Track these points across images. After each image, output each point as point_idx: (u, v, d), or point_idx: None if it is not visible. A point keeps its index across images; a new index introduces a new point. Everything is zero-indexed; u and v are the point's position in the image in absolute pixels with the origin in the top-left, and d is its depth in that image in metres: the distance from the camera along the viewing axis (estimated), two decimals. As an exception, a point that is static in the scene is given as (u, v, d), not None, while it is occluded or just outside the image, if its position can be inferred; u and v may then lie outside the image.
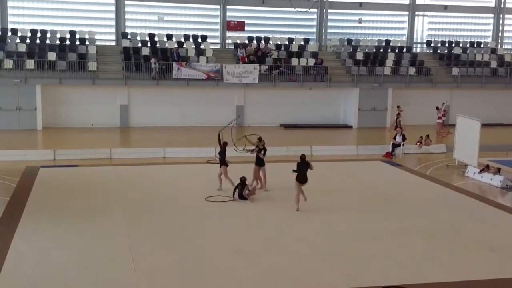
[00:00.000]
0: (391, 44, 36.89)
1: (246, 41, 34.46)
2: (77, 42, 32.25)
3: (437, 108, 30.77)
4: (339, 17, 37.43)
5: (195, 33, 34.51)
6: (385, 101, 33.26)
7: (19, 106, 29.12)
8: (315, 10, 36.75)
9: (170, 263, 11.75)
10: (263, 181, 17.83)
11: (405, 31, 38.59)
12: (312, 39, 36.74)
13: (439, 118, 30.69)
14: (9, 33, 31.82)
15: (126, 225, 14.15)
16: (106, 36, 34.21)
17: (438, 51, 37.42)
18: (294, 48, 34.98)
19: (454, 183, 19.76)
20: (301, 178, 15.57)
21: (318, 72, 32.66)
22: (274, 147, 24.03)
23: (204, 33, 34.67)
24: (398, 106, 30.60)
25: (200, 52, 32.84)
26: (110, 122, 30.66)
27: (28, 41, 31.61)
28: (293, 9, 36.27)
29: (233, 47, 34.43)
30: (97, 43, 32.72)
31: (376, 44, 36.72)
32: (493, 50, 38.15)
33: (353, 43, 36.42)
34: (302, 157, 15.94)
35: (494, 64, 36.21)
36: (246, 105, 32.50)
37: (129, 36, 33.36)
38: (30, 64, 29.49)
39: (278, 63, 32.75)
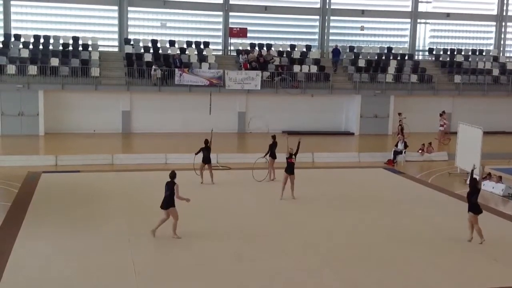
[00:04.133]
0: (393, 51, 36.94)
1: (249, 48, 34.54)
2: (80, 48, 32.37)
3: (440, 115, 30.72)
4: (341, 24, 37.50)
5: (198, 39, 34.61)
6: (387, 108, 33.29)
7: (22, 111, 29.19)
8: (318, 17, 36.86)
9: (171, 268, 11.74)
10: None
11: (407, 39, 38.64)
12: (314, 46, 36.81)
13: (441, 125, 30.64)
14: (12, 39, 31.94)
15: (127, 230, 14.14)
16: (108, 42, 34.30)
17: (440, 59, 37.44)
18: (296, 54, 35.05)
19: (456, 191, 19.71)
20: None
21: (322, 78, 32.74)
22: (277, 154, 24.03)
23: (207, 40, 34.77)
24: (399, 114, 30.54)
25: (202, 58, 32.92)
26: (112, 128, 30.71)
27: (31, 46, 31.72)
28: (295, 16, 36.43)
29: (236, 54, 34.52)
30: (100, 49, 32.81)
31: (378, 51, 36.77)
32: (495, 58, 38.16)
33: (355, 50, 36.48)
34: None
35: (496, 72, 36.22)
36: (248, 112, 32.52)
37: (131, 42, 33.44)
38: (33, 69, 29.58)
39: (280, 70, 32.80)
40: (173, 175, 13.63)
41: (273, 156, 19.83)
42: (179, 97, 31.46)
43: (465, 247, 13.67)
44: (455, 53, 37.96)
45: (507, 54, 40.27)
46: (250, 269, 11.88)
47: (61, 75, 29.87)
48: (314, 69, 33.54)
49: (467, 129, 22.32)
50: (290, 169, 17.36)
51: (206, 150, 19.41)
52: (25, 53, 30.84)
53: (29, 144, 26.82)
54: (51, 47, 32.16)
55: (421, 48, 39.13)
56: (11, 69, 29.40)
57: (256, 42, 35.24)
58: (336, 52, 34.97)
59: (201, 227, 14.70)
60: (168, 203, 13.43)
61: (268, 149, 19.95)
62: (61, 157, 22.80)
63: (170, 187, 13.49)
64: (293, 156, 17.40)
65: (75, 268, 11.67)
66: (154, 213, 15.82)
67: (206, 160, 19.39)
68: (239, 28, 35.09)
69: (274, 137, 20.25)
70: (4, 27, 32.50)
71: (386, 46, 37.35)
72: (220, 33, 35.76)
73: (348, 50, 36.45)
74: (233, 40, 35.37)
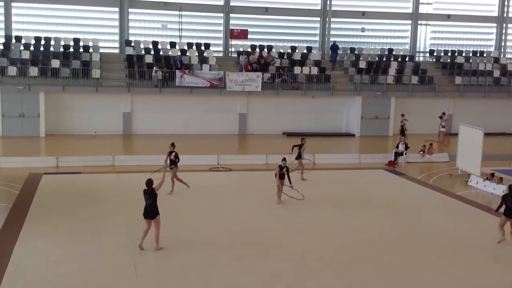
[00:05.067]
0: (394, 52, 36.96)
1: (249, 49, 34.56)
2: (81, 50, 32.41)
3: (440, 118, 30.73)
4: (342, 25, 37.53)
5: (199, 41, 34.62)
6: (388, 110, 33.31)
7: (23, 113, 29.20)
8: (318, 18, 36.89)
9: (172, 270, 11.75)
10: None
11: (408, 40, 38.67)
12: (315, 47, 36.84)
13: (443, 127, 30.63)
14: (13, 40, 31.95)
15: (128, 232, 14.14)
16: (109, 44, 34.34)
17: (441, 60, 37.46)
18: (297, 56, 35.08)
19: (457, 192, 19.73)
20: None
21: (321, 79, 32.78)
22: (277, 155, 24.02)
23: (207, 41, 34.77)
24: (402, 115, 30.54)
25: (203, 60, 32.94)
26: (113, 129, 30.71)
27: (32, 48, 31.74)
28: (296, 18, 36.48)
29: (236, 55, 34.53)
30: (101, 50, 32.84)
31: (379, 52, 36.79)
32: (496, 60, 38.18)
33: (356, 52, 36.50)
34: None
35: (497, 73, 36.23)
36: (249, 113, 32.55)
37: (132, 44, 33.48)
38: (33, 71, 29.60)
39: (281, 71, 32.82)
40: (149, 183, 13.00)
41: (300, 156, 20.56)
42: (180, 99, 31.47)
43: (466, 248, 13.67)
44: (456, 54, 37.98)
45: (508, 56, 40.31)
46: (250, 271, 11.88)
47: (62, 76, 29.90)
48: (314, 70, 33.55)
49: (468, 130, 22.32)
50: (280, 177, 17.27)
51: (170, 154, 18.32)
52: (26, 55, 30.87)
53: (30, 146, 26.83)
54: (52, 48, 32.18)
55: (421, 50, 39.15)
56: (12, 70, 29.42)
57: (257, 43, 35.26)
58: (334, 48, 35.15)
59: (201, 229, 14.69)
60: (153, 212, 12.82)
61: (298, 150, 20.56)
62: (62, 158, 22.79)
63: (151, 195, 12.86)
64: (284, 170, 17.19)
65: (75, 270, 11.66)
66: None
67: (171, 164, 18.22)
68: (240, 29, 35.11)
69: (303, 139, 21.06)
70: (5, 28, 32.52)
71: (387, 47, 37.36)
72: (221, 35, 35.79)
73: (349, 52, 36.47)
74: (233, 42, 35.39)
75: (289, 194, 17.11)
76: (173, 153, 18.14)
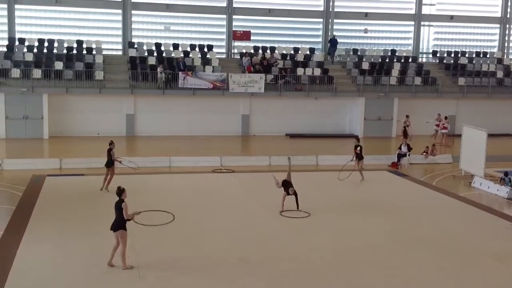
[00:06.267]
0: (397, 54, 36.91)
1: (252, 51, 34.58)
2: (84, 52, 32.45)
3: (445, 118, 30.71)
4: (345, 27, 37.50)
5: (201, 42, 34.65)
6: (391, 111, 33.24)
7: (26, 115, 29.25)
8: (321, 20, 36.90)
9: (175, 272, 11.76)
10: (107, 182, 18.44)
11: (411, 41, 38.63)
12: (318, 48, 36.84)
13: (444, 128, 30.60)
14: (17, 42, 32.04)
15: (131, 233, 14.11)
16: (112, 46, 34.39)
17: (444, 61, 37.41)
18: (299, 57, 35.07)
19: (460, 194, 19.70)
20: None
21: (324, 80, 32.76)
22: (280, 156, 24.05)
23: (210, 43, 34.79)
24: (407, 116, 30.49)
25: (206, 61, 32.96)
26: (116, 131, 30.69)
27: (35, 50, 31.83)
28: (299, 19, 36.49)
29: (239, 57, 34.55)
30: (104, 52, 32.89)
31: (382, 54, 36.76)
32: (499, 60, 38.12)
33: (359, 53, 36.48)
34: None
35: (500, 74, 36.16)
36: (252, 115, 32.54)
37: (135, 46, 33.51)
38: (37, 73, 29.64)
39: (283, 73, 32.82)
40: (119, 192, 11.83)
41: (360, 157, 21.12)
42: (183, 100, 31.47)
43: (469, 249, 13.65)
44: (459, 55, 37.92)
45: (511, 56, 40.21)
46: (252, 272, 11.88)
47: (65, 78, 29.95)
48: (317, 71, 33.54)
49: (471, 131, 22.29)
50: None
51: (108, 152, 18.32)
52: (29, 57, 30.94)
53: (34, 148, 26.87)
54: (55, 50, 32.26)
55: (425, 51, 39.11)
56: (16, 72, 29.48)
57: (260, 45, 35.30)
58: (333, 42, 35.17)
59: (204, 230, 14.70)
60: (116, 224, 11.74)
61: (355, 152, 21.10)
62: (66, 160, 22.83)
63: (118, 207, 11.77)
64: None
65: (79, 272, 11.69)
66: (157, 216, 15.86)
67: (107, 164, 18.32)
68: (243, 31, 35.11)
69: (358, 139, 21.82)
70: (8, 30, 32.60)
71: (389, 48, 37.33)
72: (224, 36, 35.82)
73: (351, 53, 36.45)
74: (236, 43, 35.41)
75: (293, 215, 16.10)
76: (112, 151, 18.34)
